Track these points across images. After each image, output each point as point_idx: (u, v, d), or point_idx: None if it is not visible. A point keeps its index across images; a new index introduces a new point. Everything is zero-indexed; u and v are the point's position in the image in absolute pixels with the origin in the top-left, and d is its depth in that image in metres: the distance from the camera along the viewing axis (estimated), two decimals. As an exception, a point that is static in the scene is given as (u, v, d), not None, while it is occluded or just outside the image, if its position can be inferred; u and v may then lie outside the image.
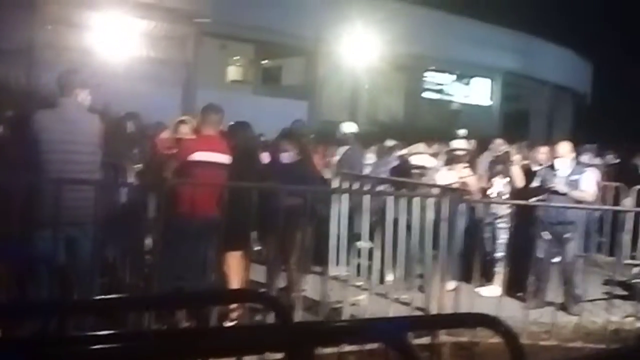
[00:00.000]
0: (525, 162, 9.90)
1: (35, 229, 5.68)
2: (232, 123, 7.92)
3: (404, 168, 9.27)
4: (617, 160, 11.62)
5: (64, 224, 5.58)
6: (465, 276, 7.52)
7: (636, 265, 10.39)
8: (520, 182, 9.06)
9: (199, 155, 6.63)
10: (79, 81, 6.11)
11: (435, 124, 22.75)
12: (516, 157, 9.81)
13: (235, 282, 6.93)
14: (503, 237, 8.82)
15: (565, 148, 8.67)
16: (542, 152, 9.46)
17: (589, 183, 8.58)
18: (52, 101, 6.04)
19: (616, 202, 11.17)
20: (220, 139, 7.08)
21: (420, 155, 9.18)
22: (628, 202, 10.41)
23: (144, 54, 19.91)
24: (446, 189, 7.61)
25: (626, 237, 9.33)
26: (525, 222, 8.28)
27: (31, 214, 5.63)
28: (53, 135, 5.76)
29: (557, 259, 8.33)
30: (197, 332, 3.22)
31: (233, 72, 26.02)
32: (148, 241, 7.44)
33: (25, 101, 11.36)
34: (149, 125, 10.00)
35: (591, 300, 7.96)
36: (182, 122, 7.47)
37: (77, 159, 5.88)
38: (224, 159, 6.83)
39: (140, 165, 8.20)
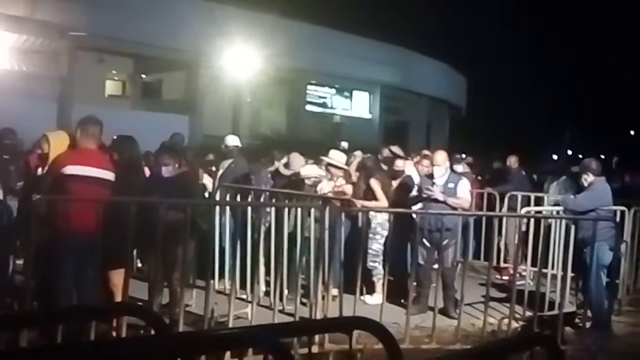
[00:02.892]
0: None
1: None
2: (115, 137, 7.73)
3: (292, 180, 9.27)
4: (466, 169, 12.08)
5: None
6: (348, 285, 7.60)
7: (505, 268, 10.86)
8: (380, 196, 9.18)
9: (71, 169, 6.38)
10: None
11: (318, 137, 23.03)
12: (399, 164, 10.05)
13: (117, 299, 6.74)
14: (377, 246, 8.96)
15: (441, 157, 8.92)
16: (425, 164, 9.70)
17: (465, 190, 8.87)
18: None
19: (489, 208, 11.62)
20: (100, 153, 6.85)
21: (308, 166, 9.21)
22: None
23: (15, 68, 19.19)
24: (326, 199, 7.67)
25: (499, 242, 9.68)
26: (404, 229, 8.46)
27: None
28: None
29: (436, 265, 8.55)
30: (72, 347, 3.09)
31: (111, 87, 25.50)
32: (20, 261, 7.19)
33: None
34: (22, 142, 9.65)
35: (470, 304, 8.21)
36: (43, 137, 7.22)
37: None
38: (102, 173, 6.59)
39: (20, 183, 7.90)
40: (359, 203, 8.61)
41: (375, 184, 9.15)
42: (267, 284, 8.38)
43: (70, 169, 6.35)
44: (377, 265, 8.88)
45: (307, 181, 9.04)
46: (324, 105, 30.65)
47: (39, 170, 7.10)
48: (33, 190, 6.83)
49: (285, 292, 7.94)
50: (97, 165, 6.55)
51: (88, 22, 20.33)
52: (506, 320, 7.73)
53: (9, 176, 7.72)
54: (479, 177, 13.60)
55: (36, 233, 5.84)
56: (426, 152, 11.19)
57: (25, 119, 12.70)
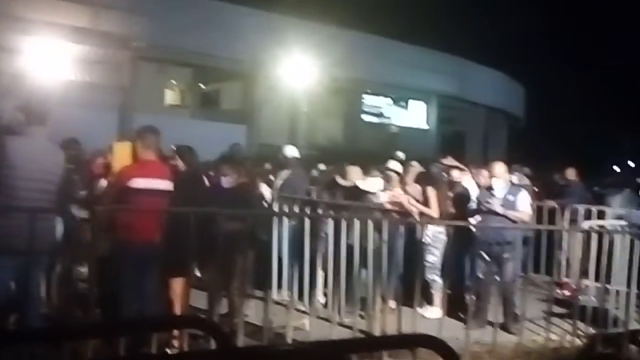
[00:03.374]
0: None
1: None
2: (174, 146, 7.83)
3: (352, 192, 9.24)
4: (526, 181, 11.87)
5: (19, 253, 5.50)
6: (407, 298, 7.55)
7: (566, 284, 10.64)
8: (433, 205, 9.12)
9: (136, 182, 6.47)
10: (48, 112, 6.02)
11: (374, 147, 22.95)
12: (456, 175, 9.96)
13: (177, 308, 6.82)
14: (432, 258, 8.88)
15: (500, 169, 8.81)
16: (484, 175, 9.59)
17: (525, 203, 8.73)
18: (17, 129, 5.85)
19: (550, 221, 11.41)
20: (161, 164, 6.93)
21: (367, 180, 9.17)
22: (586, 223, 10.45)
23: (78, 78, 19.63)
24: (385, 211, 7.64)
25: (561, 256, 9.49)
26: (463, 243, 8.37)
27: None
28: (25, 163, 5.64)
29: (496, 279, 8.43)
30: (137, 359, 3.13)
31: (171, 96, 25.89)
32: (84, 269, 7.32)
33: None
34: (86, 152, 9.82)
35: (531, 320, 8.07)
36: (110, 147, 7.35)
37: (45, 188, 5.81)
38: (164, 185, 6.68)
39: (84, 192, 8.05)
40: (414, 208, 8.57)
41: (431, 192, 9.09)
42: (325, 295, 8.38)
43: (135, 182, 6.43)
44: (435, 278, 8.80)
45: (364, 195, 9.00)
46: (380, 115, 30.59)
47: (103, 180, 7.23)
48: (96, 199, 6.98)
49: (343, 304, 7.92)
50: (159, 176, 6.63)
51: (149, 32, 20.68)
52: (569, 337, 7.58)
53: (73, 185, 7.87)
54: (535, 189, 13.38)
55: (99, 242, 5.95)
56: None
57: (88, 129, 12.93)
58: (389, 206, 8.68)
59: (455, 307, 8.29)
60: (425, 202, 9.09)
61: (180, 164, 7.30)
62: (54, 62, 18.16)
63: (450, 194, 9.55)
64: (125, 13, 20.25)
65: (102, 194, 6.83)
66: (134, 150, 6.85)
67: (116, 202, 6.44)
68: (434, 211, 9.04)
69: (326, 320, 7.57)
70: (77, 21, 19.38)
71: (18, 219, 5.48)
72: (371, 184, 8.94)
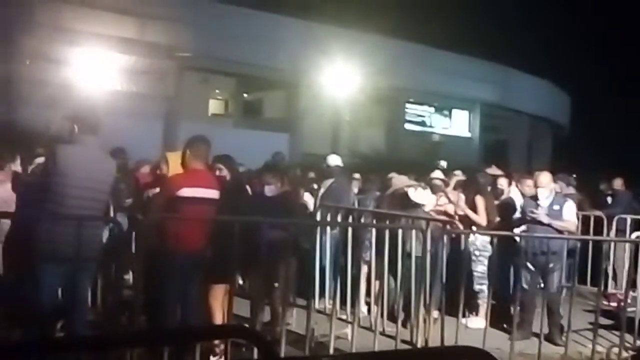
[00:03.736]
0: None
1: (41, 263, 5.67)
2: (215, 155, 7.89)
3: (400, 201, 9.19)
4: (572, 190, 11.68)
5: (66, 260, 5.60)
6: (450, 308, 7.49)
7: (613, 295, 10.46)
8: (481, 213, 9.06)
9: (186, 192, 6.51)
10: (99, 122, 6.13)
11: (417, 156, 22.84)
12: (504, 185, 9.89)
13: (219, 315, 6.86)
14: (481, 268, 8.83)
15: (545, 178, 8.71)
16: (529, 184, 9.49)
17: (571, 213, 8.62)
18: (69, 138, 5.98)
19: (596, 231, 11.23)
20: (208, 173, 6.97)
21: (418, 191, 9.12)
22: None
23: (124, 88, 19.93)
24: (429, 220, 7.61)
25: (608, 267, 9.33)
26: (508, 253, 8.29)
27: (35, 250, 5.63)
28: (76, 171, 5.75)
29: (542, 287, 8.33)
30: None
31: (214, 106, 26.13)
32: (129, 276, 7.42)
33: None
34: (131, 161, 9.98)
35: (576, 331, 7.95)
36: (163, 158, 7.42)
37: (95, 196, 5.92)
38: (212, 194, 6.71)
39: (129, 200, 8.17)
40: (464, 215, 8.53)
41: (480, 200, 9.05)
42: (368, 304, 8.36)
43: (185, 192, 6.48)
44: (484, 288, 8.71)
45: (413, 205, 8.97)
46: (423, 123, 30.46)
47: (152, 190, 7.31)
48: (143, 208, 7.07)
49: (386, 313, 7.89)
50: (207, 186, 6.67)
51: (193, 43, 20.95)
52: (615, 349, 7.44)
53: (119, 194, 7.99)
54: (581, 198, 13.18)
55: (144, 250, 6.02)
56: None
57: (134, 138, 13.13)
58: (434, 214, 8.65)
59: (499, 318, 8.20)
60: (473, 211, 9.07)
61: (225, 173, 7.34)
62: (101, 72, 18.48)
63: (497, 203, 9.48)
64: (170, 24, 20.53)
65: (150, 202, 6.90)
66: (183, 159, 6.92)
67: (164, 211, 6.50)
68: (482, 220, 8.99)
69: (368, 329, 7.55)
70: (123, 32, 19.71)
71: (67, 226, 5.57)
72: (422, 195, 8.88)
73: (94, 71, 18.34)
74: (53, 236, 5.61)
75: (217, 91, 26.11)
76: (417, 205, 8.68)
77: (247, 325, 6.34)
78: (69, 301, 5.95)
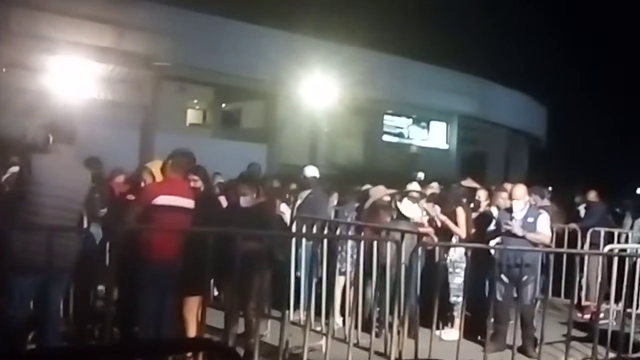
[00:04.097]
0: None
1: (13, 274, 5.60)
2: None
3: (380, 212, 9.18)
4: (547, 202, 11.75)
5: (39, 271, 5.53)
6: (425, 320, 7.50)
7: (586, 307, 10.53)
8: (462, 225, 9.12)
9: (162, 199, 6.51)
10: (75, 131, 6.08)
11: (395, 167, 22.94)
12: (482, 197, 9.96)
13: (193, 327, 6.82)
14: (458, 280, 8.85)
15: (520, 191, 8.76)
16: (503, 197, 9.54)
17: (545, 225, 8.67)
18: (44, 147, 5.90)
19: (570, 244, 11.30)
20: (184, 182, 6.98)
21: (410, 206, 9.12)
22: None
23: (102, 97, 19.83)
24: (404, 233, 7.62)
25: (582, 279, 9.38)
26: (483, 265, 8.32)
27: (7, 260, 5.57)
28: (51, 180, 5.69)
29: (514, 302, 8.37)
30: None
31: (192, 116, 26.07)
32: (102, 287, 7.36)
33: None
34: (107, 170, 9.91)
35: (550, 343, 7.99)
36: (144, 168, 7.39)
37: (69, 206, 5.88)
38: (187, 203, 6.72)
39: (104, 210, 8.11)
40: (448, 221, 8.56)
41: (460, 212, 9.09)
42: (343, 316, 8.36)
43: (160, 199, 6.48)
44: (459, 300, 8.74)
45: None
46: (400, 135, 30.57)
47: (128, 199, 7.26)
48: (117, 218, 7.02)
49: (360, 325, 7.88)
50: (183, 194, 6.68)
51: (171, 52, 20.90)
52: (588, 361, 7.49)
53: (93, 204, 7.93)
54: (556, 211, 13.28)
55: (118, 260, 5.98)
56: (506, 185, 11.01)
57: (110, 147, 13.07)
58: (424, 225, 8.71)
59: (473, 330, 8.23)
60: (454, 222, 9.13)
61: (199, 184, 7.33)
62: (78, 81, 18.38)
63: (474, 215, 9.54)
64: (148, 33, 20.47)
65: (125, 211, 6.86)
66: (163, 170, 6.91)
67: (139, 220, 6.47)
68: (462, 232, 9.03)
69: (343, 341, 7.54)
70: (101, 41, 19.62)
71: (39, 236, 5.52)
72: (410, 208, 8.90)
73: (71, 79, 18.24)
74: (26, 246, 5.55)
75: (195, 101, 26.07)
76: (403, 217, 8.70)
77: (217, 339, 6.31)
78: (41, 312, 5.88)
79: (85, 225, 7.39)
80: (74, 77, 18.28)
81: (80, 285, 7.04)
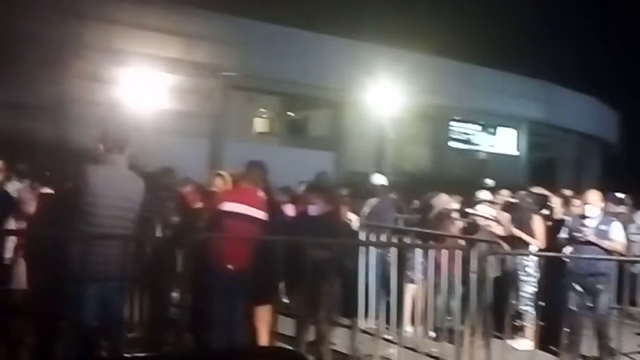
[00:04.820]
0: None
1: (71, 284, 5.65)
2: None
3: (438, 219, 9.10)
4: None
5: (99, 280, 5.56)
6: (496, 329, 7.40)
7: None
8: (540, 234, 8.95)
9: (229, 206, 6.57)
10: (126, 139, 6.06)
11: (462, 174, 22.70)
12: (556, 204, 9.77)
13: (264, 335, 6.88)
14: (530, 289, 8.69)
15: (593, 197, 8.55)
16: (576, 204, 9.33)
17: (619, 233, 8.44)
18: (98, 157, 5.90)
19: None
20: (256, 193, 6.99)
21: (482, 206, 9.03)
22: None
23: (171, 107, 20.19)
24: (475, 241, 7.54)
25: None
26: (555, 273, 8.15)
27: (66, 270, 5.61)
28: (106, 191, 5.70)
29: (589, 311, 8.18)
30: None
31: (260, 124, 26.33)
32: (176, 294, 7.48)
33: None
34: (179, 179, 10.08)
35: (626, 354, 7.78)
36: (217, 175, 7.48)
37: (125, 215, 5.88)
38: (257, 213, 6.75)
39: (175, 219, 8.23)
40: (519, 234, 8.44)
41: (538, 221, 8.91)
42: (413, 325, 8.30)
43: (227, 206, 6.55)
44: (529, 309, 8.59)
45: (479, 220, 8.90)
46: (468, 142, 30.23)
47: (199, 206, 7.37)
48: (189, 226, 7.13)
49: (432, 334, 7.82)
50: (253, 204, 6.71)
51: (239, 62, 21.17)
52: (667, 373, 7.27)
53: (166, 212, 8.07)
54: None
55: (190, 268, 6.05)
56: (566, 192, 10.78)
57: (181, 156, 13.29)
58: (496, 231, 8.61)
59: (546, 340, 8.07)
60: (529, 231, 8.95)
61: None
62: (148, 92, 18.75)
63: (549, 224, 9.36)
64: (215, 44, 20.79)
65: (196, 219, 6.96)
66: (237, 179, 6.97)
67: (209, 228, 6.55)
68: (539, 242, 8.85)
69: (413, 350, 7.50)
70: (170, 52, 20.03)
71: (100, 246, 5.53)
72: (485, 209, 8.82)
73: (141, 91, 18.62)
74: (87, 257, 5.56)
75: (262, 110, 26.32)
76: (474, 225, 8.62)
77: (290, 348, 6.34)
78: (108, 321, 5.89)
79: (157, 234, 7.52)
80: (144, 89, 18.67)
81: (154, 292, 7.17)
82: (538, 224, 8.96)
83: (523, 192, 9.89)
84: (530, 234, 8.94)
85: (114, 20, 19.15)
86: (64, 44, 18.25)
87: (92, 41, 18.74)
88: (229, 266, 6.37)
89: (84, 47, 18.67)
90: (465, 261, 7.23)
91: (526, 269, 8.71)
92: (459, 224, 8.95)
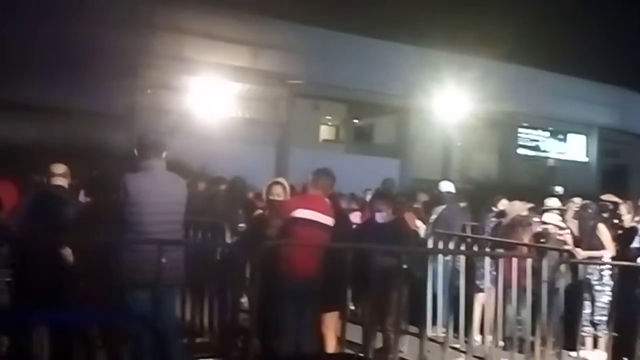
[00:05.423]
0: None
1: (126, 289, 5.69)
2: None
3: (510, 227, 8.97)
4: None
5: (154, 284, 5.61)
6: (568, 339, 7.25)
7: None
8: (608, 242, 8.72)
9: (300, 213, 6.62)
10: (165, 143, 6.05)
11: (531, 181, 22.31)
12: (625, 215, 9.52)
13: (332, 342, 6.89)
14: (606, 299, 8.49)
15: (669, 205, 8.33)
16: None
17: (696, 241, 8.20)
18: (136, 164, 5.90)
19: None
20: (324, 200, 7.01)
21: (551, 214, 8.89)
22: None
23: (238, 115, 20.46)
24: (546, 249, 7.41)
25: None
26: (629, 283, 7.94)
27: (120, 275, 5.67)
28: (148, 198, 5.74)
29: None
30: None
31: (325, 132, 26.46)
32: (245, 300, 7.57)
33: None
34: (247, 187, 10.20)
35: None
36: (276, 183, 7.53)
37: (170, 219, 5.92)
38: (326, 219, 6.79)
39: (242, 225, 8.32)
40: (582, 252, 8.25)
41: (604, 229, 8.70)
42: (482, 334, 8.20)
43: (299, 213, 6.59)
44: (605, 320, 8.39)
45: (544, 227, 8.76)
46: (537, 148, 29.76)
47: (266, 213, 7.42)
48: (258, 232, 7.19)
49: (501, 343, 7.71)
50: (322, 211, 6.74)
51: (304, 70, 21.33)
52: None
53: (236, 219, 8.17)
54: None
55: (259, 274, 6.11)
56: None
57: (248, 163, 13.46)
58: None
59: (620, 351, 7.86)
60: (598, 241, 8.73)
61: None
62: (216, 100, 19.05)
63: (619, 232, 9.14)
64: (282, 52, 21.01)
65: (263, 226, 7.03)
66: (305, 187, 7.01)
67: (280, 234, 6.61)
68: (610, 250, 8.64)
69: (482, 359, 7.41)
70: (238, 61, 20.31)
71: (147, 253, 5.56)
72: (552, 217, 8.68)
73: (210, 99, 18.93)
74: (136, 264, 5.57)
75: (328, 117, 26.44)
76: (544, 233, 8.48)
77: (360, 354, 6.34)
78: (160, 326, 5.87)
79: (227, 240, 7.61)
80: (213, 97, 18.97)
81: (224, 298, 7.26)
82: (604, 233, 8.74)
83: (587, 202, 9.65)
84: (596, 243, 8.70)
85: (185, 30, 19.53)
86: (137, 54, 18.69)
87: (163, 51, 19.14)
88: (297, 273, 6.41)
89: (156, 57, 19.09)
90: (536, 270, 7.11)
91: (603, 278, 8.50)
92: (532, 231, 8.79)
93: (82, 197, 7.91)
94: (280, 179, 7.60)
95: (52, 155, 8.06)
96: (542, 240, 8.48)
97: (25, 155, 11.63)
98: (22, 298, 6.45)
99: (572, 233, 8.97)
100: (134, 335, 5.50)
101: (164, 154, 5.96)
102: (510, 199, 9.80)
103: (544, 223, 8.71)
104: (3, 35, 16.39)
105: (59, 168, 7.10)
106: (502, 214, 9.65)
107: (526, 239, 8.53)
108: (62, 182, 7.08)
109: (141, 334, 5.28)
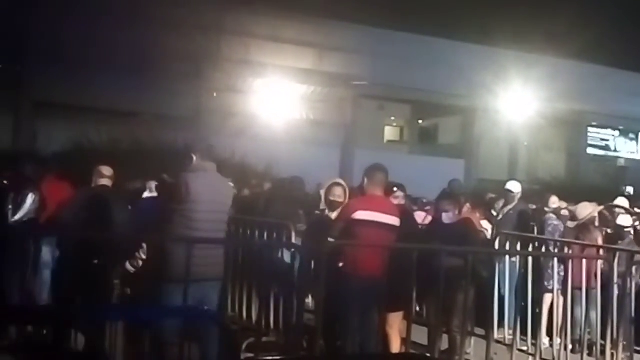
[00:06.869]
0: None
1: (175, 285, 5.88)
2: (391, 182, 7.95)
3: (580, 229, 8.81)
4: None
5: (199, 280, 5.84)
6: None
7: None
8: None
9: (361, 215, 6.62)
10: (213, 147, 6.56)
11: (600, 182, 21.83)
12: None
13: (396, 342, 6.88)
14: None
15: None
16: None
17: None
18: (194, 167, 6.27)
19: None
20: (387, 199, 7.01)
21: (625, 216, 8.73)
22: None
23: (303, 117, 20.60)
24: (617, 250, 7.26)
25: None
26: None
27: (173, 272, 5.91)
28: (203, 197, 6.07)
29: None
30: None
31: (390, 132, 26.41)
32: (310, 300, 7.61)
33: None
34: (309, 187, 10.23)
35: None
36: (336, 184, 7.54)
37: (220, 218, 6.29)
38: (390, 219, 6.78)
39: (301, 225, 8.37)
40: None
41: None
42: (550, 336, 8.08)
43: (360, 214, 6.60)
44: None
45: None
46: (606, 148, 29.09)
47: (328, 214, 7.46)
48: (320, 232, 7.23)
49: (570, 346, 7.58)
50: (385, 211, 6.73)
51: (369, 71, 21.33)
52: None
53: (298, 220, 8.22)
54: None
55: (324, 274, 6.15)
56: None
57: (312, 165, 13.52)
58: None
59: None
60: None
61: (402, 201, 7.39)
62: (282, 102, 19.22)
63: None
64: (346, 54, 21.05)
65: (326, 226, 7.06)
66: (361, 187, 7.02)
67: (343, 235, 6.63)
68: None
69: (551, 362, 7.30)
70: (303, 63, 20.44)
71: (197, 249, 5.80)
72: (627, 220, 8.52)
73: (276, 101, 19.10)
74: (188, 259, 5.73)
75: (392, 118, 26.37)
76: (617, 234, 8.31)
77: (426, 355, 6.32)
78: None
79: (293, 240, 7.67)
80: (278, 99, 19.14)
81: (289, 297, 7.32)
82: None
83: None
84: None
85: (251, 34, 19.77)
86: (204, 57, 19.00)
87: (230, 54, 19.41)
88: (361, 273, 6.42)
89: (223, 60, 19.36)
90: (606, 271, 6.97)
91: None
92: (602, 232, 8.63)
93: (147, 194, 8.31)
94: (340, 180, 7.62)
95: (120, 156, 8.38)
96: (619, 242, 8.32)
97: (95, 158, 11.93)
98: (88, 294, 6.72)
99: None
100: (204, 331, 5.66)
101: (213, 158, 6.43)
102: (579, 200, 9.61)
103: (619, 226, 8.53)
104: (75, 41, 16.86)
105: (106, 170, 7.63)
106: (572, 215, 9.47)
107: (598, 240, 8.37)
108: (107, 182, 7.60)
109: (211, 330, 5.45)
